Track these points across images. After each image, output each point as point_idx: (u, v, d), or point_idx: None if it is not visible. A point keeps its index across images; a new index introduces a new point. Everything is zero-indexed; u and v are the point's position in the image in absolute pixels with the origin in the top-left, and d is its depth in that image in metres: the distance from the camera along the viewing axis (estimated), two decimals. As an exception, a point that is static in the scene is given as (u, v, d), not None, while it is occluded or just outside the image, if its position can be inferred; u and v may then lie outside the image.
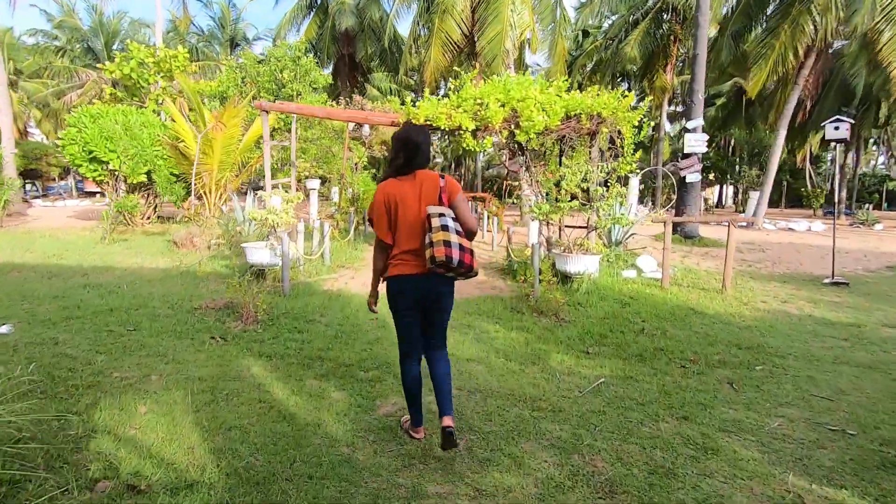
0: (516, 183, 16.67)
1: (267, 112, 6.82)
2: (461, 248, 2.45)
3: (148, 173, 12.51)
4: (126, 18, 33.11)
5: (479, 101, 6.40)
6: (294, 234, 7.46)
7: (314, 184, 14.07)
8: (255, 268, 6.49)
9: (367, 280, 6.72)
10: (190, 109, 12.37)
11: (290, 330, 4.92)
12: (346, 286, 6.85)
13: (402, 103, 8.38)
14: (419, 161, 2.62)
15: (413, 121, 6.44)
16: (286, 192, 6.80)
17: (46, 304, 5.53)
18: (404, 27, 60.07)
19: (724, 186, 39.18)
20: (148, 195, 13.08)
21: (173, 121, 11.84)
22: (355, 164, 13.50)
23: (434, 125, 6.43)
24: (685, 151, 11.94)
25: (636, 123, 6.80)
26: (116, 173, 12.11)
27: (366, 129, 9.88)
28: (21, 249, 9.03)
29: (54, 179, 34.19)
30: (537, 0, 15.55)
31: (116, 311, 5.27)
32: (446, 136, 37.31)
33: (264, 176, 7.88)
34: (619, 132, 6.73)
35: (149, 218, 13.19)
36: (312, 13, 23.03)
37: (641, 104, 7.04)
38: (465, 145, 6.46)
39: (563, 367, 4.16)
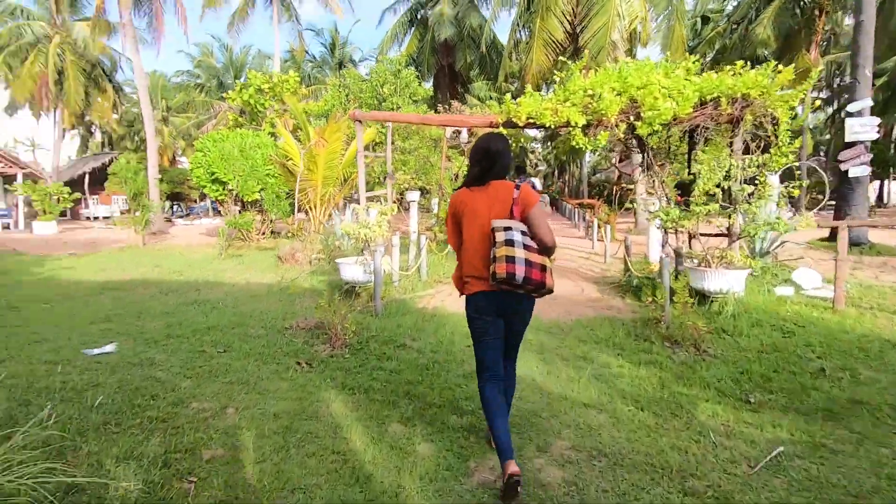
0: (631, 186, 15.19)
1: (361, 122, 6.57)
2: (528, 263, 2.31)
3: (261, 191, 13.22)
4: (251, 52, 36.75)
5: (589, 92, 5.53)
6: (389, 248, 7.10)
7: (414, 195, 13.93)
8: (349, 285, 6.19)
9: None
10: (297, 129, 12.85)
11: (379, 356, 4.43)
12: (441, 304, 6.30)
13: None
14: (496, 171, 2.51)
15: (514, 119, 5.75)
16: (382, 204, 6.47)
17: (156, 321, 5.66)
18: (503, 33, 59.99)
19: (888, 182, 33.07)
20: (262, 212, 13.83)
21: (282, 140, 12.36)
22: (455, 173, 13.10)
23: (538, 122, 5.67)
24: (847, 139, 9.81)
25: (794, 105, 5.44)
26: (234, 192, 12.93)
27: (464, 135, 9.43)
28: (152, 266, 9.80)
29: (195, 200, 38.70)
30: (650, -16, 14.09)
31: (213, 331, 5.20)
32: (549, 142, 35.94)
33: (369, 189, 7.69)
34: (772, 117, 5.41)
35: (263, 233, 13.92)
36: (413, 28, 23.43)
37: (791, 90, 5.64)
38: (574, 143, 5.61)
39: (718, 424, 3.14)
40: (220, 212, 14.30)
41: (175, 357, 4.44)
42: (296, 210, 11.19)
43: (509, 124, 5.81)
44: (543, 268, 2.37)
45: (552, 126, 5.64)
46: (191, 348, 4.67)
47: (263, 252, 11.54)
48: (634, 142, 6.19)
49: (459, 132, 10.59)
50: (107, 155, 36.40)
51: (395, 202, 15.04)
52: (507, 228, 2.35)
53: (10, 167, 20.88)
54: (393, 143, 13.40)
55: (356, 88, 14.60)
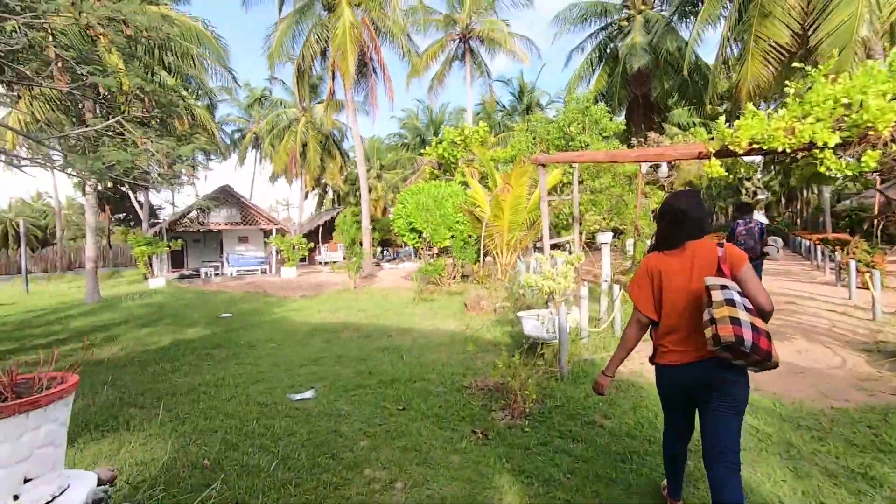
0: None
1: (544, 166, 6.21)
2: (754, 328, 2.02)
3: (452, 238, 13.81)
4: (448, 109, 40.32)
5: (844, 101, 4.17)
6: (577, 299, 6.43)
7: (606, 237, 12.91)
8: (531, 340, 5.70)
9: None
10: (486, 177, 13.17)
11: (563, 434, 3.80)
12: (640, 368, 5.34)
13: (710, 132, 6.56)
14: (688, 232, 2.32)
15: (732, 146, 4.67)
16: (567, 251, 5.91)
17: (350, 368, 5.99)
18: (707, 54, 54.21)
19: None
20: (454, 257, 14.41)
21: (472, 189, 12.78)
22: (652, 211, 11.75)
23: (766, 147, 4.49)
24: None
25: None
26: (427, 240, 13.76)
27: (664, 169, 8.35)
28: (357, 309, 10.82)
29: (400, 245, 43.28)
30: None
31: (396, 383, 5.23)
32: (772, 166, 30.43)
33: (555, 233, 7.25)
34: None
35: (454, 278, 14.45)
36: (601, 64, 22.68)
37: None
38: (822, 169, 4.26)
39: None
40: (419, 255, 15.36)
41: (360, 410, 4.50)
42: (482, 255, 11.27)
43: (724, 153, 4.74)
44: (769, 335, 2.06)
45: (787, 150, 4.40)
46: (375, 401, 4.72)
47: (452, 297, 11.85)
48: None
49: (658, 166, 9.44)
50: (335, 210, 43.39)
51: (584, 246, 14.20)
52: (724, 287, 2.09)
53: (269, 224, 26.24)
54: (581, 182, 12.73)
55: (542, 131, 14.47)
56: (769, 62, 12.79)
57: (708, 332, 2.06)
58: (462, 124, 17.28)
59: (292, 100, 34.65)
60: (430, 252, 14.18)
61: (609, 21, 23.01)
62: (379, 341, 7.44)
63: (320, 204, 54.02)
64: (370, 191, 42.62)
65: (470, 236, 13.36)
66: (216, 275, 24.48)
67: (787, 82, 4.87)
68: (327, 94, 21.50)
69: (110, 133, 6.92)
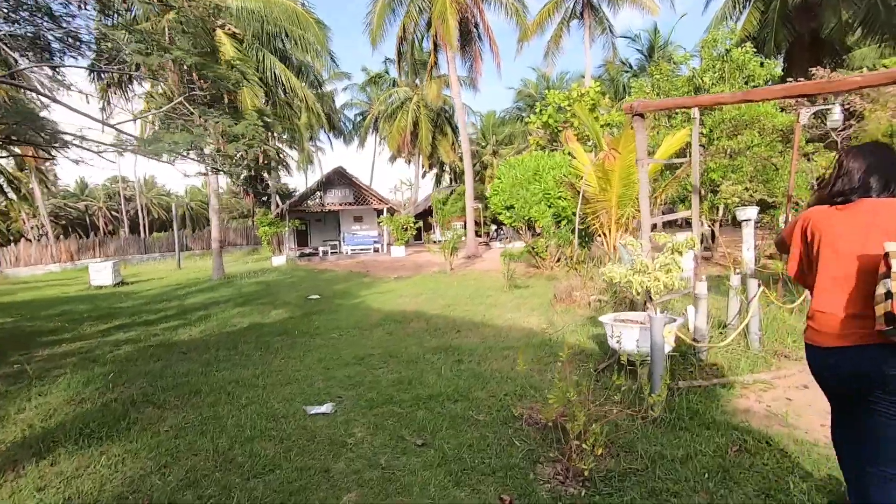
0: None
1: (642, 116, 4.50)
2: None
3: (555, 216, 12.20)
4: (568, 77, 37.32)
5: None
6: (693, 297, 4.70)
7: (749, 213, 10.28)
8: (617, 354, 4.19)
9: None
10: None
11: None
12: (787, 409, 3.58)
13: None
14: (872, 185, 1.87)
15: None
16: (666, 233, 4.21)
17: (393, 373, 5.05)
18: None
19: None
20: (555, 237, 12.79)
21: (574, 158, 11.01)
22: (818, 179, 8.96)
23: None
24: None
25: None
26: (526, 218, 12.32)
27: (836, 116, 5.89)
28: (439, 295, 9.92)
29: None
30: None
31: (433, 402, 4.14)
32: None
33: (673, 208, 5.55)
34: None
35: (558, 260, 12.86)
36: (750, 2, 18.58)
37: None
38: None
39: None
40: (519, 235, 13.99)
41: (372, 440, 3.52)
42: (575, 237, 9.59)
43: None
44: None
45: None
46: (394, 428, 3.70)
47: (550, 283, 10.38)
48: None
49: (827, 113, 6.92)
50: (450, 188, 43.13)
51: (712, 224, 11.54)
52: None
53: (380, 204, 26.64)
54: (712, 142, 10.23)
55: (667, 86, 11.98)
56: None
57: (880, 310, 1.66)
58: (573, 87, 15.28)
59: (405, 79, 34.63)
60: (530, 231, 12.74)
61: (763, -54, 18.71)
62: (443, 338, 6.41)
63: (438, 182, 54.40)
64: (486, 167, 41.56)
65: (574, 213, 11.63)
66: (333, 253, 25.57)
67: None
68: (429, 66, 20.66)
69: (174, 115, 6.73)
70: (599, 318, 4.39)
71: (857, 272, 1.81)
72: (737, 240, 13.15)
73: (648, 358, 3.75)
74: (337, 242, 27.53)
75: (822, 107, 6.48)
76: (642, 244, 4.34)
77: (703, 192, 11.53)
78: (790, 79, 16.71)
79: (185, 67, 5.86)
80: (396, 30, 19.57)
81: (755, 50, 12.13)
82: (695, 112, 4.72)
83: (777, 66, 12.40)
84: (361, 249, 26.55)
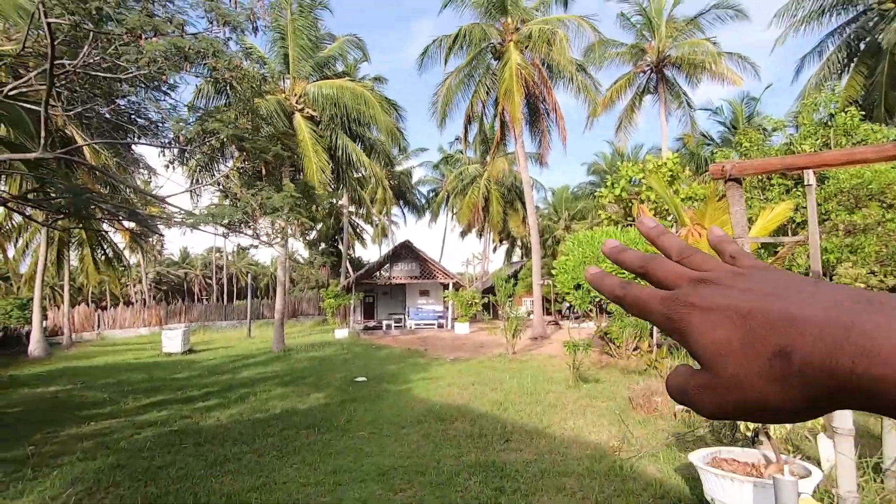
0: None
1: (739, 182, 3.43)
2: None
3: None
4: (643, 150, 36.24)
5: None
6: (829, 429, 3.32)
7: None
8: (722, 516, 2.89)
9: None
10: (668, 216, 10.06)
11: None
12: None
13: None
14: None
15: None
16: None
17: (412, 502, 3.99)
18: None
19: None
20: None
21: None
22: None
23: None
24: None
25: None
26: (597, 299, 11.03)
27: None
28: (493, 385, 8.73)
29: (589, 301, 39.48)
30: None
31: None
32: None
33: None
34: None
35: (636, 349, 11.25)
36: (852, 65, 16.95)
37: None
38: None
39: None
40: (589, 318, 12.59)
41: None
42: (652, 326, 8.15)
43: None
44: None
45: None
46: None
47: (627, 378, 8.91)
48: None
49: None
50: (520, 263, 42.14)
51: None
52: None
53: (446, 278, 26.14)
54: (828, 217, 8.65)
55: (758, 155, 10.62)
56: None
57: None
58: (647, 157, 14.28)
59: (474, 156, 35.32)
60: (605, 313, 11.37)
61: (862, 9, 17.35)
62: (486, 450, 5.24)
63: (508, 257, 53.66)
64: (558, 242, 40.40)
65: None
66: (397, 326, 25.05)
67: None
68: (494, 142, 20.63)
69: (219, 186, 6.59)
70: (690, 456, 3.13)
71: None
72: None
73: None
74: (402, 316, 27.09)
75: None
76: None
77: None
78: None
79: (225, 140, 5.74)
80: (465, 109, 19.89)
81: (862, 115, 10.60)
82: (809, 176, 3.60)
83: (894, 132, 10.69)
84: (426, 324, 25.86)
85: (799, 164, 3.41)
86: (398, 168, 40.93)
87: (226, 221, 6.24)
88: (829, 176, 8.27)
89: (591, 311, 11.51)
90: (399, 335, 22.60)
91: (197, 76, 5.82)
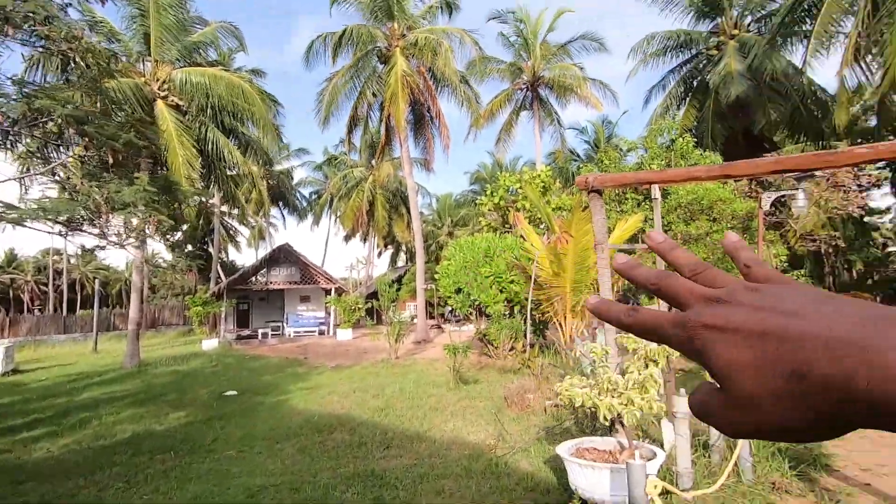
0: None
1: (599, 193, 3.81)
2: None
3: (508, 301, 11.40)
4: (520, 162, 38.70)
5: None
6: (670, 415, 3.76)
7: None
8: (582, 499, 3.11)
9: None
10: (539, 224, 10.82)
11: None
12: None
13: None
14: None
15: None
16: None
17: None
18: (822, 78, 47.66)
19: None
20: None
21: (526, 240, 10.43)
22: (775, 267, 8.64)
23: None
24: None
25: None
26: (476, 302, 11.46)
27: (801, 201, 5.59)
28: (375, 392, 8.60)
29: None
30: None
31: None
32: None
33: (628, 296, 4.75)
34: None
35: (512, 349, 11.86)
36: (688, 98, 19.87)
37: None
38: None
39: None
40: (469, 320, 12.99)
41: None
42: (527, 327, 8.72)
43: None
44: None
45: None
46: None
47: (504, 377, 9.33)
48: None
49: (788, 199, 6.60)
50: (403, 268, 42.36)
51: None
52: None
53: (328, 283, 25.30)
54: (668, 228, 9.93)
55: (615, 171, 11.93)
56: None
57: None
58: (524, 169, 15.29)
59: (359, 159, 34.86)
60: (484, 316, 11.82)
61: (695, 52, 20.38)
62: (366, 459, 5.11)
63: (393, 262, 53.64)
64: (442, 248, 41.35)
65: (528, 299, 10.87)
66: (274, 335, 23.61)
67: None
68: (380, 146, 20.56)
69: (55, 176, 5.60)
70: (557, 449, 3.34)
71: None
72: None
73: (625, 513, 2.69)
74: (280, 324, 25.65)
75: (787, 192, 6.23)
76: (607, 350, 3.44)
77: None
78: (729, 170, 17.35)
79: (62, 122, 4.86)
80: (349, 110, 19.51)
81: (695, 142, 12.43)
82: (655, 191, 4.09)
83: (719, 158, 12.72)
84: (306, 331, 24.78)
85: (648, 179, 3.86)
86: (278, 168, 38.81)
87: (63, 218, 5.32)
88: (672, 192, 9.59)
89: (471, 314, 11.91)
90: (277, 344, 21.34)
91: (25, 44, 4.91)
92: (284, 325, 25.37)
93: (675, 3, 19.54)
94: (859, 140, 16.60)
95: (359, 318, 23.08)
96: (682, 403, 3.62)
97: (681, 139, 11.48)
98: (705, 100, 18.56)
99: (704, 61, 19.98)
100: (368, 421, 6.63)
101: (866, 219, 34.57)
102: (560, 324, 9.17)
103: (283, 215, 42.19)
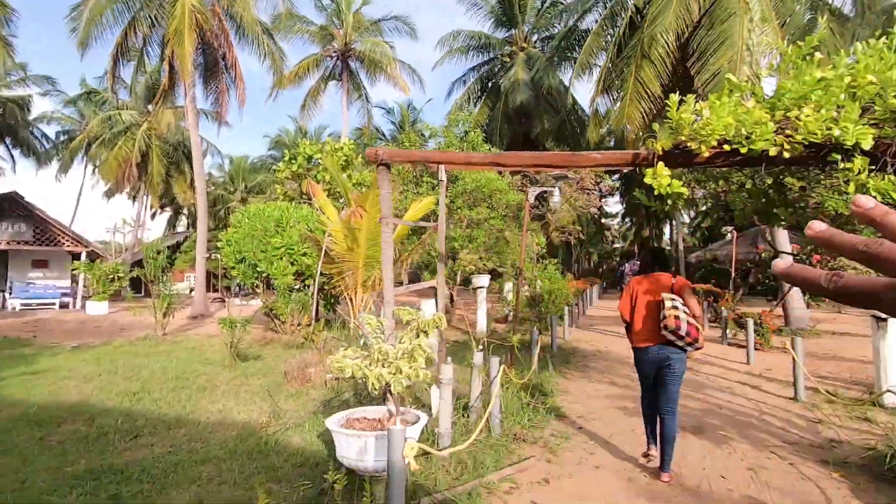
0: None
1: (388, 167, 3.87)
2: (688, 323, 3.49)
3: (298, 274, 10.95)
4: (326, 133, 37.45)
5: (868, 80, 2.46)
6: (436, 381, 4.06)
7: (482, 281, 11.02)
8: (347, 468, 3.16)
9: (588, 496, 3.02)
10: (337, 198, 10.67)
11: None
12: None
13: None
14: (655, 267, 3.93)
15: (692, 144, 2.75)
16: (419, 309, 3.52)
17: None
18: (581, 93, 57.88)
19: None
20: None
21: (323, 213, 10.13)
22: (536, 254, 10.13)
23: (747, 149, 2.63)
24: None
25: None
26: (264, 274, 10.73)
27: (556, 199, 6.69)
28: (128, 374, 7.36)
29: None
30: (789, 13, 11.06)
31: None
32: (627, 218, 32.27)
33: (418, 273, 4.92)
34: None
35: (300, 324, 11.45)
36: (483, 97, 21.86)
37: None
38: (851, 189, 2.44)
39: None
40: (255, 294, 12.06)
41: None
42: (316, 301, 8.59)
43: (678, 159, 2.82)
44: (697, 329, 3.53)
45: (783, 154, 2.57)
46: None
47: (288, 351, 8.96)
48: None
49: (549, 195, 7.71)
50: (184, 234, 37.30)
51: (452, 291, 12.07)
52: (673, 300, 3.56)
53: (76, 246, 20.69)
54: (456, 210, 10.78)
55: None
56: (644, 104, 12.26)
57: (662, 325, 3.53)
58: (327, 140, 14.78)
59: (129, 98, 29.21)
60: (273, 290, 11.14)
61: (492, 56, 22.44)
62: (105, 453, 4.32)
63: (172, 225, 46.77)
64: (229, 214, 37.51)
65: (323, 274, 10.62)
66: (-10, 308, 18.36)
67: (730, 77, 3.10)
68: (161, 88, 17.55)
69: None
70: (326, 421, 3.30)
71: (653, 309, 3.70)
72: (470, 303, 14.17)
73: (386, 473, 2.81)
74: (1, 294, 20.12)
75: (547, 188, 7.41)
76: (384, 322, 3.52)
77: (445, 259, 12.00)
78: (511, 167, 19.73)
79: None
80: (118, 36, 16.00)
81: (485, 137, 13.75)
82: (442, 173, 4.33)
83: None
84: (41, 304, 19.98)
85: (433, 158, 4.06)
86: (5, 93, 29.83)
87: None
88: (460, 178, 10.45)
89: (257, 286, 11.11)
90: (-7, 319, 16.66)
91: None
92: (6, 295, 20.01)
93: (479, 7, 21.16)
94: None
95: (119, 288, 19.49)
96: (447, 371, 3.94)
97: (473, 132, 12.53)
98: (497, 101, 20.67)
99: (499, 66, 22.18)
100: (114, 408, 5.61)
101: (603, 220, 43.44)
102: (351, 298, 9.20)
103: (12, 156, 32.72)
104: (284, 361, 6.85)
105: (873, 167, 2.42)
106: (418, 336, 3.29)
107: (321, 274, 10.48)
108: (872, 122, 2.44)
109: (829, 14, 11.21)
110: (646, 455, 3.95)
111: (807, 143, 2.51)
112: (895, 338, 5.35)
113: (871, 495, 3.37)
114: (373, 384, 2.90)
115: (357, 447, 3.00)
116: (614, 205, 41.40)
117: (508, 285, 10.51)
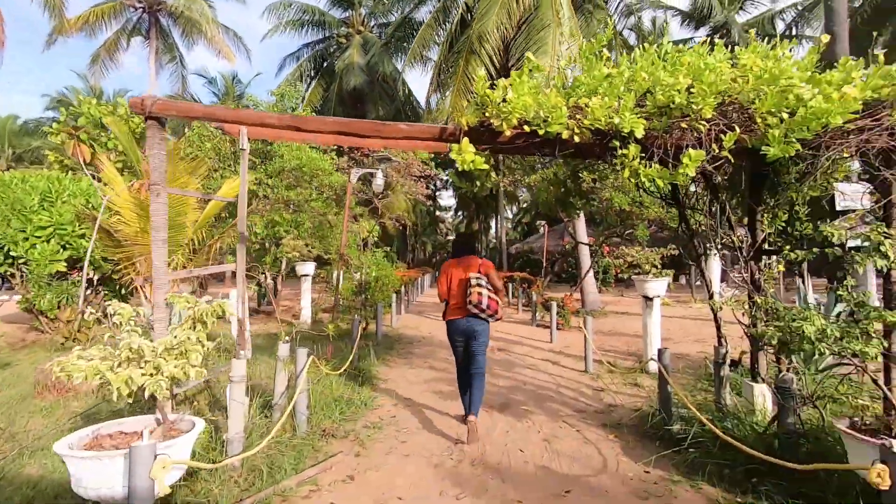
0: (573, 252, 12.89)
1: (161, 122, 3.15)
2: (489, 297, 4.11)
3: (74, 260, 8.96)
4: (127, 96, 31.81)
5: (667, 81, 2.69)
6: (233, 383, 3.50)
7: (308, 269, 10.36)
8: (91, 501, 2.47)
9: (393, 487, 2.78)
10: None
11: None
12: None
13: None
14: (465, 251, 4.50)
15: (496, 123, 2.73)
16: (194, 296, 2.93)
17: None
18: (419, 87, 59.11)
19: None
20: (94, 286, 9.38)
21: (105, 185, 8.38)
22: (363, 240, 9.83)
23: (544, 131, 2.69)
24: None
25: None
26: (24, 259, 8.54)
27: (379, 181, 6.43)
28: None
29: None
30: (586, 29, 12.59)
31: None
32: (459, 212, 34.24)
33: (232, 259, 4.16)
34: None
35: (69, 321, 9.37)
36: (317, 77, 20.74)
37: None
38: (626, 175, 2.64)
39: None
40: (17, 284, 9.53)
41: None
42: (83, 292, 7.13)
43: (483, 136, 2.77)
44: (497, 302, 4.17)
45: (573, 138, 2.67)
46: None
47: (54, 354, 7.21)
48: (713, 176, 3.38)
49: (371, 176, 7.47)
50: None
51: (263, 280, 11.06)
52: (478, 279, 4.16)
53: None
54: (272, 191, 9.93)
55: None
56: (471, 97, 12.86)
57: (467, 300, 4.08)
58: (118, 100, 12.35)
59: None
60: (30, 281, 8.90)
61: (328, 34, 21.41)
62: None
63: None
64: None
65: (105, 259, 8.82)
66: None
67: (530, 54, 3.22)
68: None
69: None
70: (55, 445, 2.52)
71: (463, 286, 4.22)
72: (297, 292, 13.31)
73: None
74: None
75: (370, 170, 7.13)
76: (139, 310, 2.86)
77: (267, 244, 11.00)
78: (346, 149, 19.10)
79: None
80: None
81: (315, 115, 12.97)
82: (243, 140, 3.74)
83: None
84: None
85: (221, 116, 3.47)
86: None
87: None
88: (276, 155, 9.60)
89: (13, 276, 8.81)
90: None
91: None
92: None
93: (315, -21, 19.93)
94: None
95: None
96: (238, 366, 3.42)
97: (304, 111, 11.66)
98: (332, 83, 19.79)
99: (335, 46, 21.27)
100: None
101: (438, 213, 45.14)
102: (142, 288, 7.78)
103: None
104: (36, 368, 5.43)
105: (643, 155, 2.66)
106: (195, 328, 2.73)
107: (107, 260, 8.74)
108: (644, 115, 2.68)
109: (619, 37, 13.01)
110: (464, 421, 4.23)
111: (593, 128, 2.66)
112: (658, 315, 6.36)
113: (639, 452, 3.84)
114: (120, 392, 2.28)
115: (100, 472, 2.34)
116: (448, 198, 43.44)
117: (335, 273, 10.03)
